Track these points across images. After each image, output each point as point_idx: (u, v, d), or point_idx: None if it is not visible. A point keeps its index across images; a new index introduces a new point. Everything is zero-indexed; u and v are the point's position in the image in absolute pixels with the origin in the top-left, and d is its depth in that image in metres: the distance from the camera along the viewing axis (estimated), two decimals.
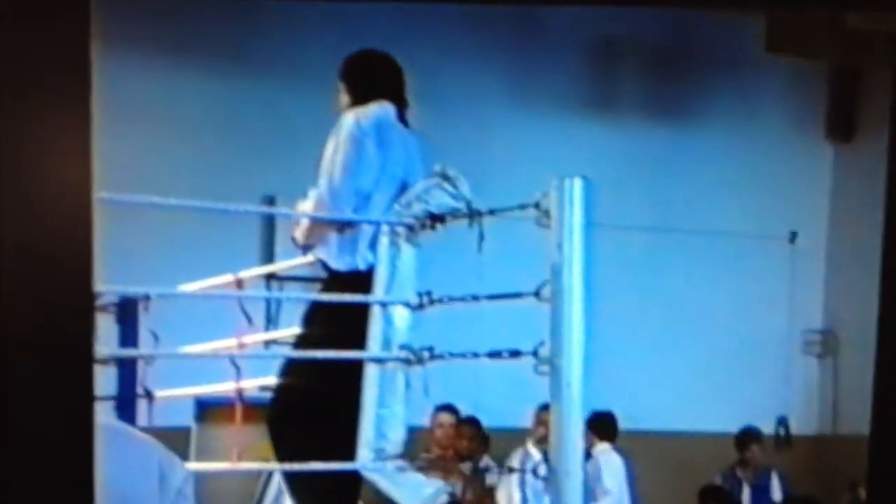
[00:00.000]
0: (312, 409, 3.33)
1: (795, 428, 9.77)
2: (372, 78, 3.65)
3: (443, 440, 6.28)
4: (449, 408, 6.42)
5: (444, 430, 6.37)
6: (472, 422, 7.03)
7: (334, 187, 3.48)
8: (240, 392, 3.32)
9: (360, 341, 3.42)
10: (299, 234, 3.57)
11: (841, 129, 10.52)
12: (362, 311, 3.42)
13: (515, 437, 7.96)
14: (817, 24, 9.95)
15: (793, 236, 10.40)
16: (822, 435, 8.73)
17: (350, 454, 3.36)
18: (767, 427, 9.24)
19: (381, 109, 3.59)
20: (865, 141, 10.29)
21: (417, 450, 3.64)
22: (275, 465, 3.22)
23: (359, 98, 3.63)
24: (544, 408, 4.63)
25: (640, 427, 8.79)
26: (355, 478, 3.46)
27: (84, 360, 1.53)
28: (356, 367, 3.42)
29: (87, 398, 1.52)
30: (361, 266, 3.49)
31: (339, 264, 3.53)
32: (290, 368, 3.48)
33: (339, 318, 3.41)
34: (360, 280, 3.47)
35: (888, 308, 1.50)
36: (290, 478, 3.37)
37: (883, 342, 1.53)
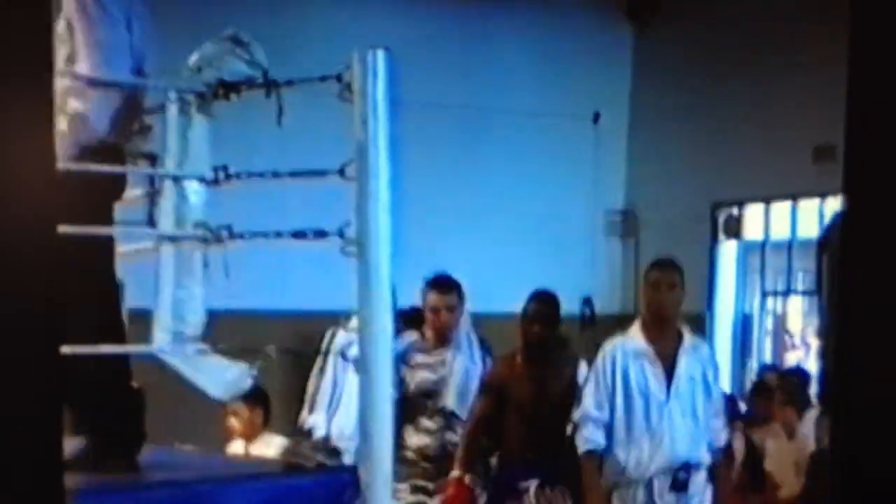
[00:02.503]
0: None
1: (599, 307, 10.05)
2: None
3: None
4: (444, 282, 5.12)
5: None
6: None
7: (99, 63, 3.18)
8: None
9: (104, 217, 3.23)
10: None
11: (641, 10, 10.68)
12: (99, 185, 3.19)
13: (326, 320, 7.93)
14: None
15: (596, 116, 10.58)
16: (625, 314, 9.00)
17: (112, 334, 3.21)
18: (574, 307, 9.45)
19: None
20: (665, 21, 10.48)
21: (221, 334, 3.52)
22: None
23: None
24: None
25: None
26: (124, 361, 3.33)
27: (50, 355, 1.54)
28: (103, 244, 3.23)
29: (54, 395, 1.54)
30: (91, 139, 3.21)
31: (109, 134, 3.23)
32: None
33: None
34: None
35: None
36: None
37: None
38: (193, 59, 3.20)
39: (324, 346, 5.74)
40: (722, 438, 4.69)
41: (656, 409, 4.51)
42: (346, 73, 3.20)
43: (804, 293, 10.17)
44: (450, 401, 5.07)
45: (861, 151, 1.41)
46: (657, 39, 10.53)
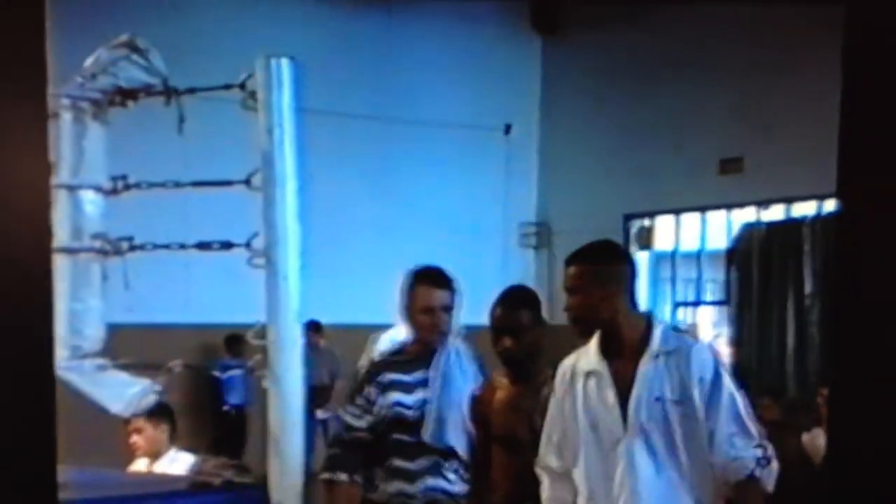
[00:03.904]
0: None
1: None
2: None
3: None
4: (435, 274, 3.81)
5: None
6: None
7: None
8: None
9: None
10: None
11: (545, 21, 10.75)
12: None
13: (227, 332, 7.81)
14: None
15: (507, 128, 10.62)
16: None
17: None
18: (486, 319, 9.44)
19: None
20: (570, 32, 10.57)
21: (122, 348, 3.43)
22: None
23: None
24: None
25: (364, 321, 8.83)
26: None
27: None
28: None
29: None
30: None
31: None
32: None
33: None
34: None
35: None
36: None
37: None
38: (88, 65, 3.12)
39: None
40: (745, 466, 3.01)
41: (611, 448, 3.08)
42: (249, 80, 3.15)
43: (713, 303, 10.32)
44: (435, 434, 3.64)
45: (854, 159, 1.42)
46: (566, 52, 10.61)
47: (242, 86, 3.15)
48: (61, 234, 3.11)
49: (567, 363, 3.19)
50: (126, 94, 3.12)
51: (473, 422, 3.61)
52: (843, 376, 1.48)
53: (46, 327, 1.53)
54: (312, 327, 6.96)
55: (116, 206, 3.26)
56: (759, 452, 2.98)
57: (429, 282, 3.71)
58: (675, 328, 3.22)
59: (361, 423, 3.59)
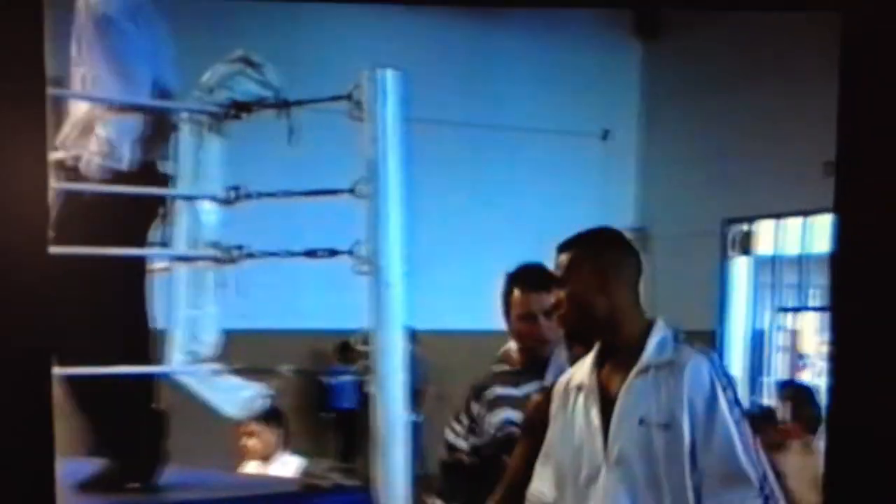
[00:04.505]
0: (89, 310, 3.09)
1: None
2: None
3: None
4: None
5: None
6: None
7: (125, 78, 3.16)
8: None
9: (139, 238, 3.23)
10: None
11: (647, 26, 10.71)
12: (140, 205, 3.20)
13: (335, 338, 7.93)
14: None
15: (605, 133, 10.60)
16: None
17: (139, 356, 3.21)
18: None
19: None
20: (672, 37, 10.50)
21: (235, 353, 3.53)
22: (78, 370, 3.05)
23: None
24: None
25: (458, 327, 8.88)
26: (149, 383, 3.32)
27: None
28: (135, 265, 3.23)
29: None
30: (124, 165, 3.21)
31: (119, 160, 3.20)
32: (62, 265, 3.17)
33: (102, 214, 3.14)
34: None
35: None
36: (75, 384, 3.17)
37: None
38: (205, 79, 3.23)
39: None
40: None
41: (591, 481, 2.52)
42: (355, 91, 3.23)
43: (817, 309, 10.15)
44: None
45: (852, 170, 1.44)
46: (666, 56, 10.55)
47: (349, 97, 3.23)
48: (179, 243, 3.23)
49: (564, 377, 2.69)
50: (241, 108, 3.22)
51: (522, 430, 3.05)
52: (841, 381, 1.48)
53: (44, 328, 1.53)
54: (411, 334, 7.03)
55: (231, 215, 3.36)
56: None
57: (526, 285, 3.31)
58: (677, 335, 2.51)
59: (464, 444, 3.32)
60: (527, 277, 3.35)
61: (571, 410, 2.57)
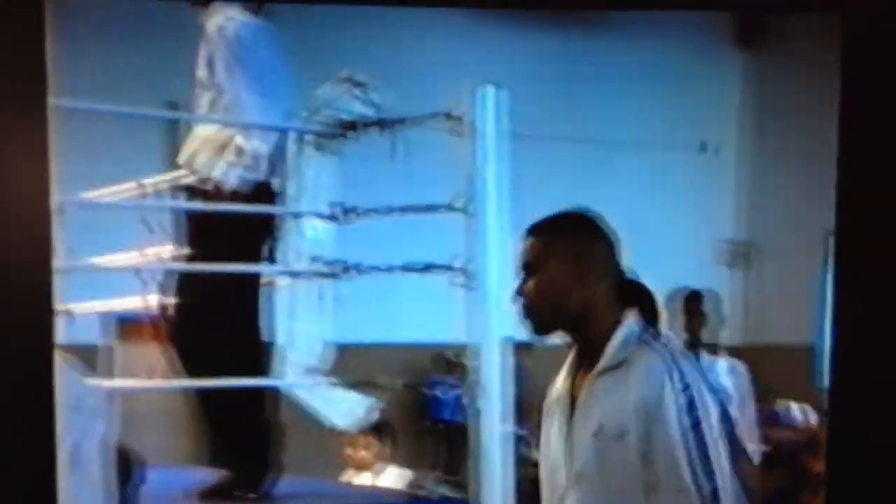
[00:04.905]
0: (207, 324, 3.21)
1: (710, 338, 9.92)
2: None
3: None
4: None
5: None
6: None
7: (256, 102, 3.28)
8: (153, 307, 3.23)
9: (255, 254, 3.33)
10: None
11: (748, 36, 10.59)
12: (257, 224, 3.31)
13: (435, 351, 8.00)
14: None
15: (703, 145, 10.50)
16: (733, 346, 8.89)
17: (257, 369, 3.31)
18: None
19: (236, 4, 3.31)
20: (773, 47, 10.37)
21: (342, 366, 3.61)
22: (195, 382, 3.16)
23: None
24: None
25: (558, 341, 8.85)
26: (262, 395, 3.41)
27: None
28: (251, 281, 3.32)
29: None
30: (261, 178, 3.32)
31: (234, 177, 3.31)
32: (187, 282, 3.30)
33: (228, 231, 3.25)
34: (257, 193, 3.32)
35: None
36: (197, 395, 3.28)
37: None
38: (313, 100, 3.34)
39: None
40: None
41: (561, 501, 2.24)
42: (456, 108, 3.29)
43: None
44: None
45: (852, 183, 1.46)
46: (768, 66, 10.43)
47: (449, 114, 3.29)
48: (287, 258, 3.32)
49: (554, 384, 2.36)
50: (346, 126, 3.32)
51: None
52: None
53: (47, 336, 1.54)
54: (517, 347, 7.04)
55: (335, 230, 3.44)
56: None
57: None
58: (644, 332, 2.18)
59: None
60: None
61: (547, 424, 2.29)
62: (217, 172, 3.24)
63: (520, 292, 2.21)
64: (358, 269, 3.46)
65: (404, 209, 3.57)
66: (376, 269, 3.53)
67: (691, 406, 2.07)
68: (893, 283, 1.43)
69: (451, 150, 3.39)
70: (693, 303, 5.16)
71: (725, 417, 2.10)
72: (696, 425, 2.06)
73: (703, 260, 10.80)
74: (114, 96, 3.22)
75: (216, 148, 3.28)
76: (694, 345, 4.15)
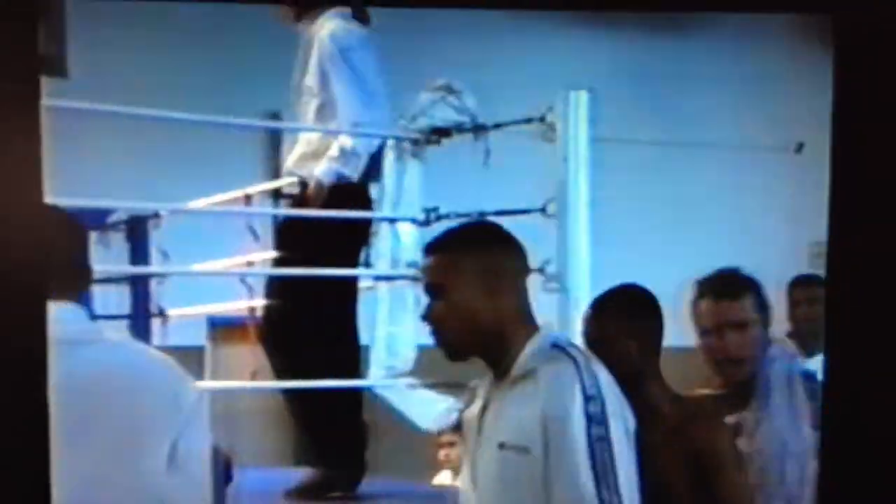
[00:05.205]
0: (304, 326, 3.27)
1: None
2: None
3: None
4: None
5: None
6: None
7: (359, 111, 3.35)
8: (251, 311, 3.31)
9: (353, 258, 3.39)
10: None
11: (842, 34, 10.41)
12: (353, 229, 3.37)
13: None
14: None
15: (799, 147, 10.34)
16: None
17: (350, 371, 3.36)
18: None
19: (344, 15, 3.40)
20: (868, 45, 10.18)
21: (427, 368, 3.65)
22: (289, 384, 3.22)
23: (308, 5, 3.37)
24: None
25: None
26: (357, 395, 3.46)
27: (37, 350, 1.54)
28: (348, 284, 3.38)
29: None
30: (358, 178, 3.39)
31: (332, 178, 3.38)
32: (280, 285, 3.37)
33: (325, 236, 3.32)
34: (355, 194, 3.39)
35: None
36: (292, 396, 3.35)
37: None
38: (409, 107, 3.39)
39: None
40: None
41: None
42: (548, 114, 3.31)
43: None
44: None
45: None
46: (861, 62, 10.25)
47: (542, 119, 3.31)
48: (381, 263, 3.38)
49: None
50: (440, 133, 3.37)
51: None
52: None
53: (41, 343, 1.52)
54: None
55: (427, 235, 3.49)
56: None
57: (712, 293, 2.75)
58: (558, 341, 2.02)
59: None
60: (714, 285, 2.79)
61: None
62: (317, 171, 3.31)
63: (427, 317, 2.04)
64: None
65: (495, 213, 3.60)
66: None
67: (601, 417, 1.91)
68: (889, 281, 1.42)
69: (540, 154, 3.41)
70: (802, 288, 4.61)
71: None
72: (603, 438, 1.91)
73: (798, 260, 10.64)
74: (217, 106, 3.31)
75: (318, 153, 3.36)
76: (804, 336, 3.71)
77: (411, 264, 3.39)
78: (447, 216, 3.44)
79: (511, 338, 2.01)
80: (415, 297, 3.40)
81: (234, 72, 6.54)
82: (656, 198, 9.89)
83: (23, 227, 1.47)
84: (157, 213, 3.73)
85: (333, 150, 3.29)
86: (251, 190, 3.42)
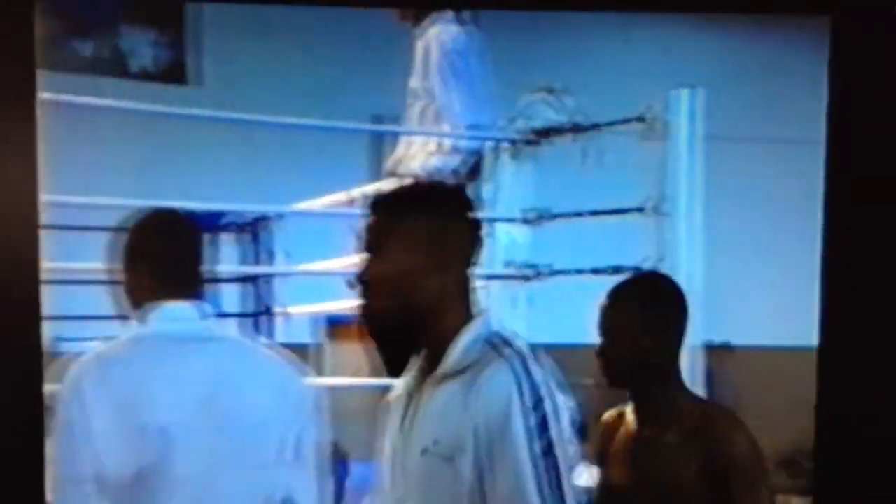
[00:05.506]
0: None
1: None
2: None
3: None
4: None
5: None
6: None
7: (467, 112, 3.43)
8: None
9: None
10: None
11: None
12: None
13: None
14: None
15: None
16: None
17: None
18: None
19: (453, 18, 3.46)
20: None
21: None
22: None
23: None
24: None
25: (755, 343, 8.68)
26: None
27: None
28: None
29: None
30: (459, 170, 3.47)
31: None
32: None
33: None
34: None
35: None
36: None
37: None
38: (511, 108, 3.44)
39: None
40: None
41: None
42: (649, 113, 3.32)
43: None
44: None
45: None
46: None
47: (642, 118, 3.32)
48: (489, 263, 3.43)
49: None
50: (540, 134, 3.41)
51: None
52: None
53: (35, 337, 1.52)
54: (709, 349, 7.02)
55: (528, 235, 3.53)
56: None
57: None
58: (496, 335, 1.79)
59: None
60: None
61: (386, 425, 1.92)
62: (416, 164, 3.38)
63: (359, 277, 1.80)
64: (549, 271, 3.53)
65: (595, 213, 3.61)
66: (567, 272, 3.59)
67: (543, 427, 1.71)
68: (886, 281, 1.42)
69: (641, 153, 3.42)
70: None
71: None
72: (548, 450, 1.71)
73: None
74: (323, 110, 3.40)
75: (421, 152, 3.44)
76: None
77: (514, 264, 3.44)
78: (546, 216, 3.48)
79: (445, 319, 1.78)
80: (527, 297, 3.45)
81: (339, 76, 6.67)
82: (764, 196, 9.74)
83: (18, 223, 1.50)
84: (267, 216, 3.83)
85: (434, 147, 3.36)
86: (356, 192, 3.50)
